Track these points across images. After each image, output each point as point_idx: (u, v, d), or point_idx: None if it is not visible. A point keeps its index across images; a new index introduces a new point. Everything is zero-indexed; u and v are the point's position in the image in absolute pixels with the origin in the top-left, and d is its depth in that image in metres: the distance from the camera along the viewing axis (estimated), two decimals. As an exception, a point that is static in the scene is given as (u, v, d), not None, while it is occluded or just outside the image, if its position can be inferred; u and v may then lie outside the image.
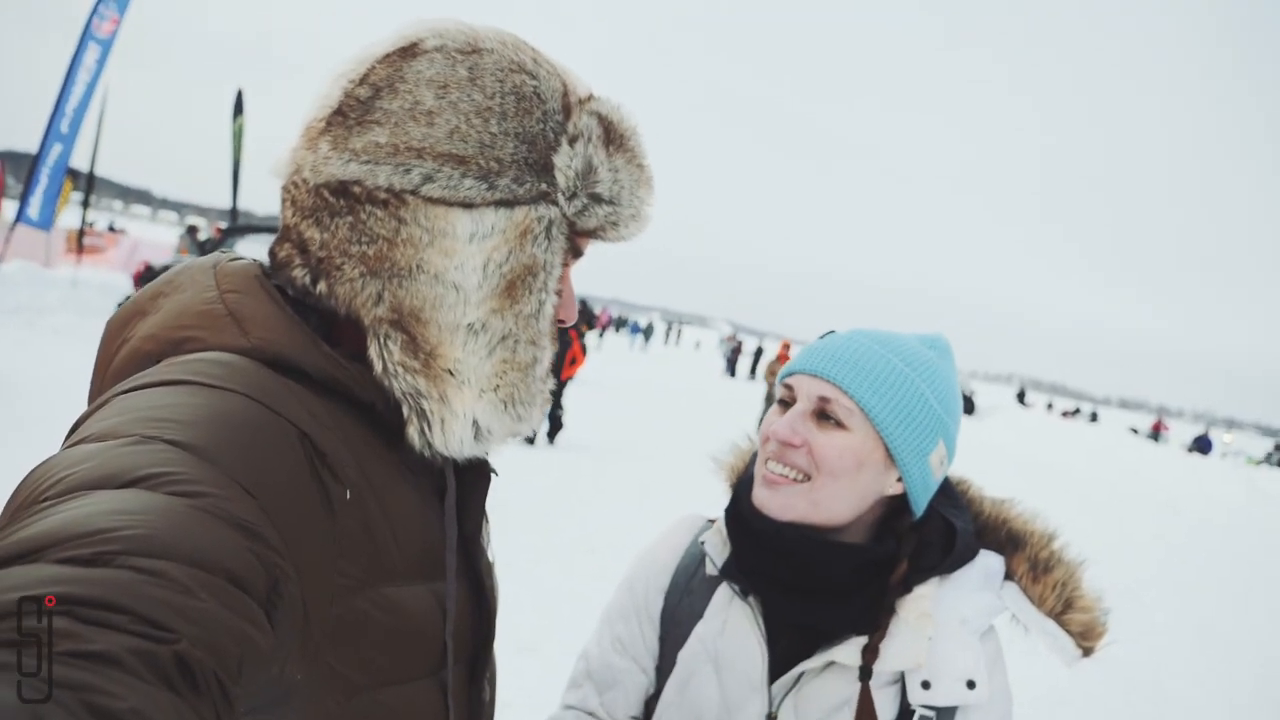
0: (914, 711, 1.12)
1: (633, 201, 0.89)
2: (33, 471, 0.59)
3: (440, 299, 0.80)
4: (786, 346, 15.91)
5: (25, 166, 13.72)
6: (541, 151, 0.83)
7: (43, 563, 0.47)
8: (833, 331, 1.25)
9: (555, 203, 0.84)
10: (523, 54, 0.84)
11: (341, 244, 0.79)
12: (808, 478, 1.14)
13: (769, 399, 14.61)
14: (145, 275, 13.51)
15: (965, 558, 1.20)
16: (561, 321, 0.91)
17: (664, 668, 1.26)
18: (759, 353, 38.07)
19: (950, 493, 1.29)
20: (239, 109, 21.39)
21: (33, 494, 0.56)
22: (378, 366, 0.80)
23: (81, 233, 18.57)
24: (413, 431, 0.81)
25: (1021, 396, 57.43)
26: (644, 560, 1.36)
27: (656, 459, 10.52)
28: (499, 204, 0.80)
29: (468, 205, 0.79)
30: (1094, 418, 53.88)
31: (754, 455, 1.35)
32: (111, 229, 35.66)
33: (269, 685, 0.62)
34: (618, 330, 56.30)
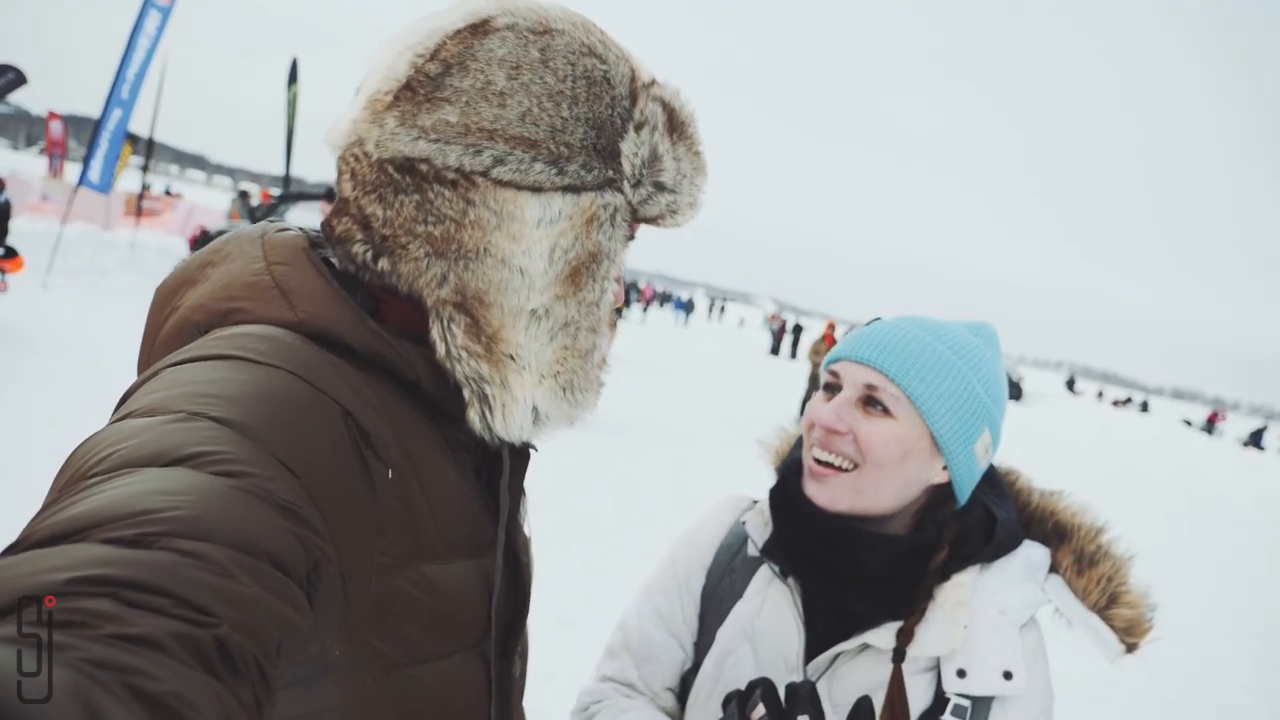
0: (949, 699, 1.11)
1: (691, 190, 0.89)
2: (81, 445, 0.60)
3: (505, 283, 0.79)
4: (832, 327, 15.72)
5: (87, 130, 14.03)
6: (609, 138, 0.82)
7: (89, 542, 0.47)
8: (879, 318, 1.24)
9: (621, 190, 0.83)
10: (592, 36, 0.83)
11: (407, 222, 0.79)
12: (854, 466, 1.14)
13: (813, 380, 14.51)
14: (200, 240, 13.79)
15: (1007, 547, 1.19)
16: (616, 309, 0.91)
17: (702, 644, 1.27)
18: (798, 330, 37.69)
19: (995, 482, 1.28)
20: (294, 78, 21.64)
21: (81, 469, 0.57)
22: (440, 349, 0.80)
23: (140, 196, 19.00)
24: (473, 415, 0.81)
25: (1071, 384, 56.39)
26: (687, 538, 1.38)
27: (696, 437, 10.51)
28: (567, 189, 0.80)
29: (536, 189, 0.78)
30: (1145, 407, 52.72)
31: (799, 439, 1.35)
32: (168, 192, 36.42)
33: (308, 662, 0.63)
34: (661, 305, 56.20)
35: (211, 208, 26.52)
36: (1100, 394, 64.66)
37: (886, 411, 1.14)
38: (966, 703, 1.11)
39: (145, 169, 19.89)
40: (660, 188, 0.86)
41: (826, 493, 1.15)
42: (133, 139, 18.46)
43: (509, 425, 0.82)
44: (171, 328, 0.79)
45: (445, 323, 0.79)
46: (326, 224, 0.85)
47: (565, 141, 0.79)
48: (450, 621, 0.81)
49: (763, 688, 1.02)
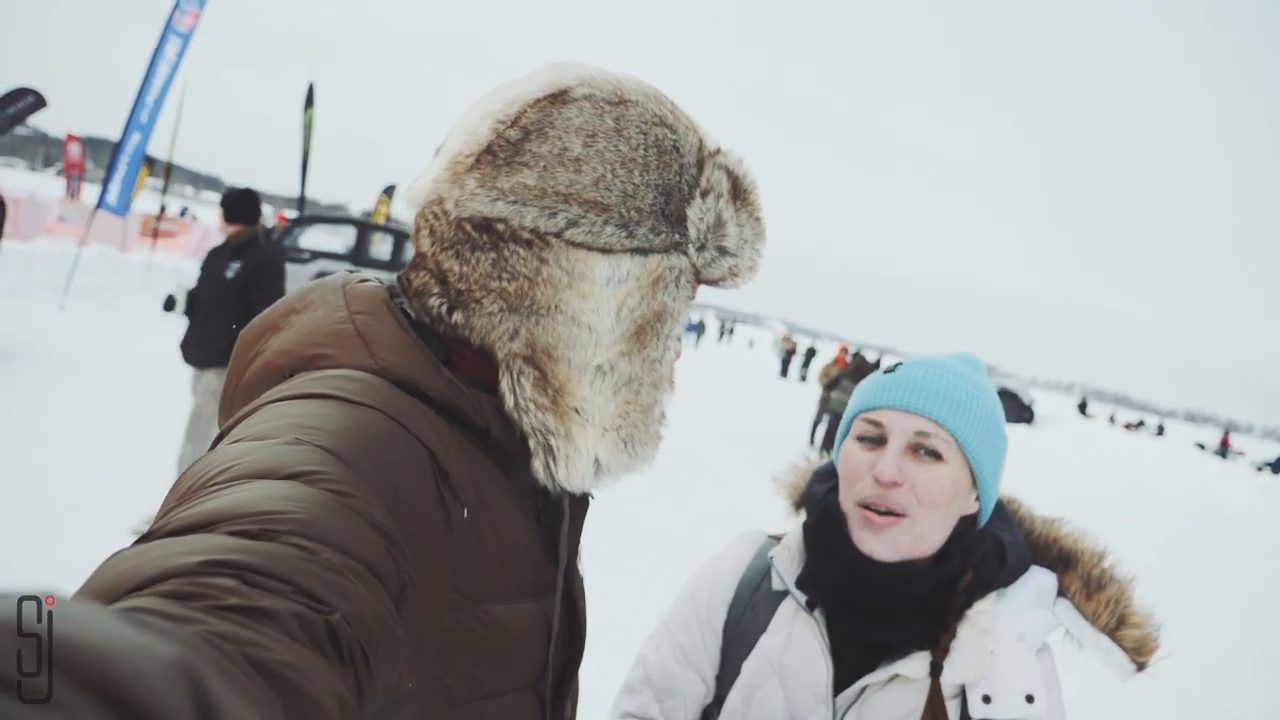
0: None
1: (751, 254, 0.93)
2: (193, 466, 0.64)
3: (574, 338, 0.83)
4: (844, 350, 15.67)
5: (105, 151, 14.19)
6: (677, 203, 0.86)
7: (217, 533, 0.52)
8: (899, 364, 1.26)
9: (686, 253, 0.88)
10: (664, 107, 0.88)
11: (482, 278, 0.83)
12: (905, 513, 1.17)
13: (823, 404, 14.48)
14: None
15: (1019, 572, 1.23)
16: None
17: (725, 677, 1.30)
18: (810, 354, 37.63)
19: (1001, 511, 1.31)
20: (310, 102, 21.90)
21: (200, 480, 0.61)
22: (509, 401, 0.83)
23: (157, 218, 19.20)
24: (538, 465, 0.84)
25: (1083, 407, 55.96)
26: (708, 573, 1.40)
27: (705, 460, 10.51)
28: (635, 251, 0.84)
29: (606, 251, 0.83)
30: (1160, 431, 52.25)
31: (814, 472, 1.39)
32: (183, 214, 36.77)
33: (385, 691, 0.65)
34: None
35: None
36: (1112, 418, 64.22)
37: (938, 457, 1.17)
38: None
39: (165, 191, 20.09)
40: (723, 252, 0.90)
41: (888, 544, 1.17)
42: (150, 161, 18.67)
43: (571, 475, 0.85)
44: (256, 371, 0.83)
45: (515, 375, 0.83)
46: (404, 277, 0.89)
47: (636, 206, 0.83)
48: (512, 660, 0.83)
49: None
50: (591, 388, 0.84)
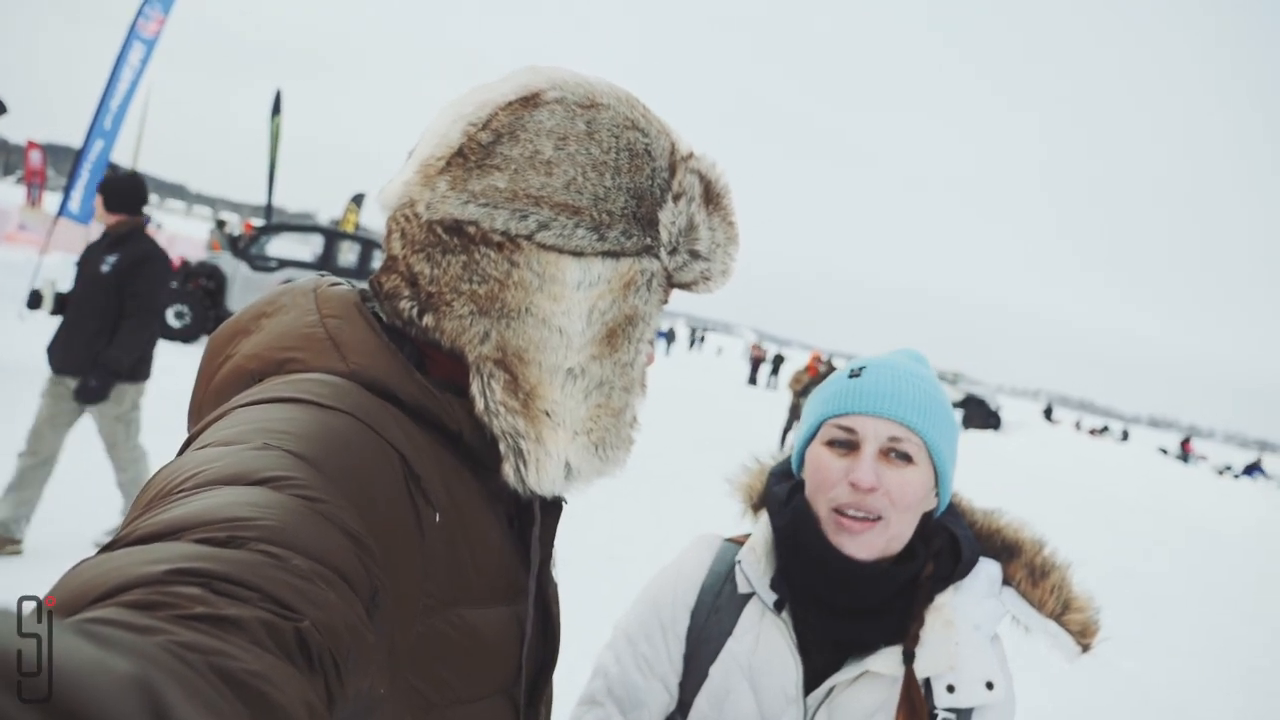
0: (936, 714, 1.18)
1: (724, 258, 0.93)
2: (161, 470, 0.64)
3: (545, 341, 0.83)
4: (816, 358, 15.75)
5: (66, 159, 13.95)
6: (649, 207, 0.86)
7: (183, 541, 0.51)
8: (864, 367, 1.28)
9: (658, 256, 0.88)
10: (635, 111, 0.88)
11: (453, 281, 0.83)
12: (879, 516, 1.19)
13: (793, 410, 14.54)
14: (181, 270, 13.70)
15: (973, 564, 1.27)
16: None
17: (689, 684, 1.31)
18: (779, 360, 37.78)
19: (949, 505, 1.35)
20: (277, 109, 21.68)
21: (166, 487, 0.60)
22: (479, 404, 0.83)
23: (120, 227, 18.87)
24: (508, 469, 0.84)
25: (1049, 413, 56.74)
26: (668, 578, 1.39)
27: (675, 469, 10.51)
28: (606, 254, 0.84)
29: (578, 254, 0.83)
30: (1125, 436, 53.09)
31: (769, 473, 1.41)
32: (148, 223, 36.12)
33: (357, 698, 0.65)
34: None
35: (191, 238, 26.43)
36: (1078, 424, 65.10)
37: (909, 460, 1.20)
38: (953, 715, 1.18)
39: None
40: (695, 255, 0.90)
41: (864, 546, 1.19)
42: (115, 169, 18.39)
43: (542, 479, 0.85)
44: (225, 375, 0.82)
45: (485, 378, 0.83)
46: (375, 280, 0.89)
47: (607, 209, 0.83)
48: (485, 666, 0.83)
49: None
50: (563, 391, 0.84)
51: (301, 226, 14.74)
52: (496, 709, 0.87)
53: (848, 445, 1.22)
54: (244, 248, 13.39)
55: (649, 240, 0.86)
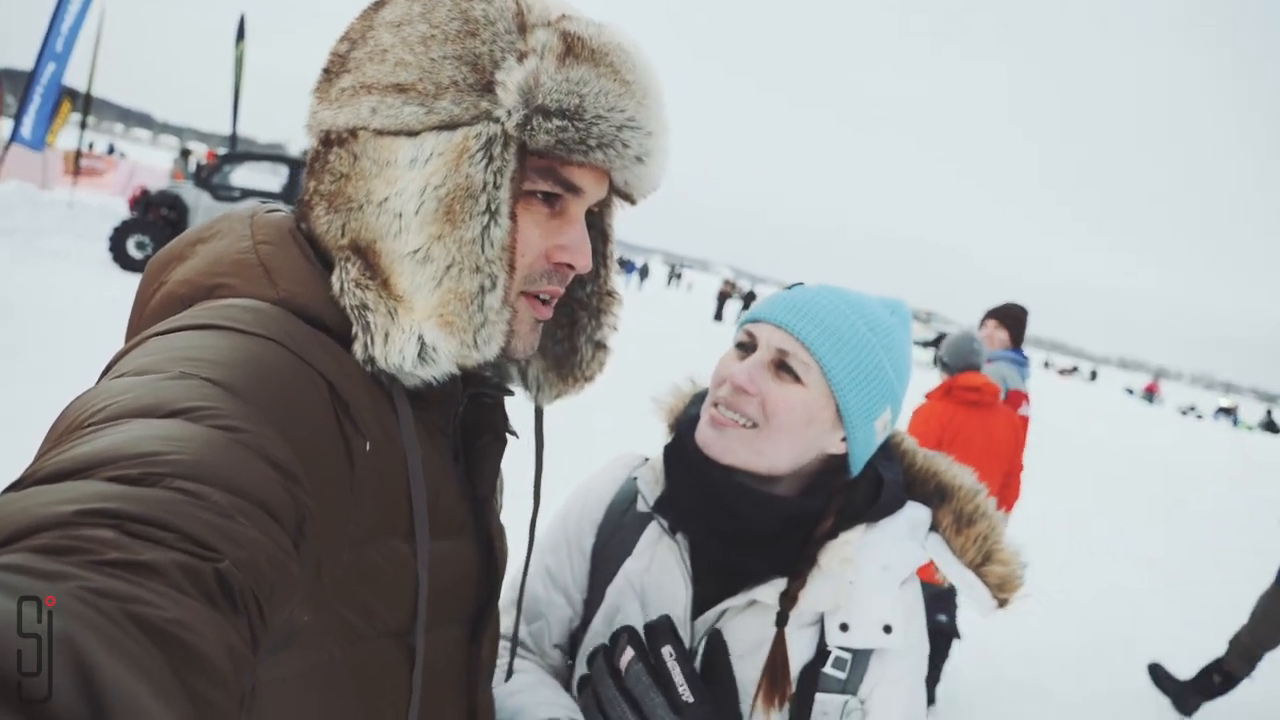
0: (829, 652, 1.15)
1: (607, 116, 0.81)
2: (73, 402, 0.61)
3: (386, 228, 0.80)
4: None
5: (23, 84, 13.51)
6: (485, 72, 0.80)
7: (94, 479, 0.48)
8: (801, 283, 1.24)
9: (498, 121, 0.80)
10: None
11: (316, 186, 0.84)
12: (754, 425, 1.15)
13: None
14: (141, 200, 13.39)
15: (891, 508, 1.22)
16: (568, 266, 0.88)
17: (592, 600, 1.29)
18: (750, 297, 37.80)
19: (885, 447, 1.30)
20: (241, 35, 21.02)
21: (76, 420, 0.57)
22: (335, 287, 0.80)
23: (79, 154, 18.38)
24: (358, 347, 0.79)
25: (1020, 353, 57.39)
26: (578, 495, 1.38)
27: (614, 421, 10.57)
28: (440, 128, 0.79)
29: (412, 133, 0.79)
30: (1093, 376, 54.05)
31: (694, 396, 1.37)
32: (111, 152, 35.30)
33: (276, 627, 0.62)
34: (618, 271, 55.82)
35: (155, 168, 25.78)
36: (1046, 363, 66.17)
37: (797, 378, 1.15)
38: (847, 655, 1.15)
39: (83, 125, 19.20)
40: (544, 113, 0.79)
41: (722, 442, 1.15)
42: (72, 94, 17.83)
43: (390, 352, 0.78)
44: (158, 302, 0.80)
45: (342, 263, 0.81)
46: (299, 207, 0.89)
47: (434, 81, 0.79)
48: (418, 598, 0.81)
49: (627, 633, 1.04)
50: (412, 279, 0.79)
51: (265, 155, 14.36)
52: (441, 641, 0.86)
53: (749, 349, 1.20)
54: (206, 177, 13.10)
55: (486, 105, 0.79)
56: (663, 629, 1.02)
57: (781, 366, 1.16)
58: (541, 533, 1.35)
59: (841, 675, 1.16)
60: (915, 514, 1.24)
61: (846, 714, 1.15)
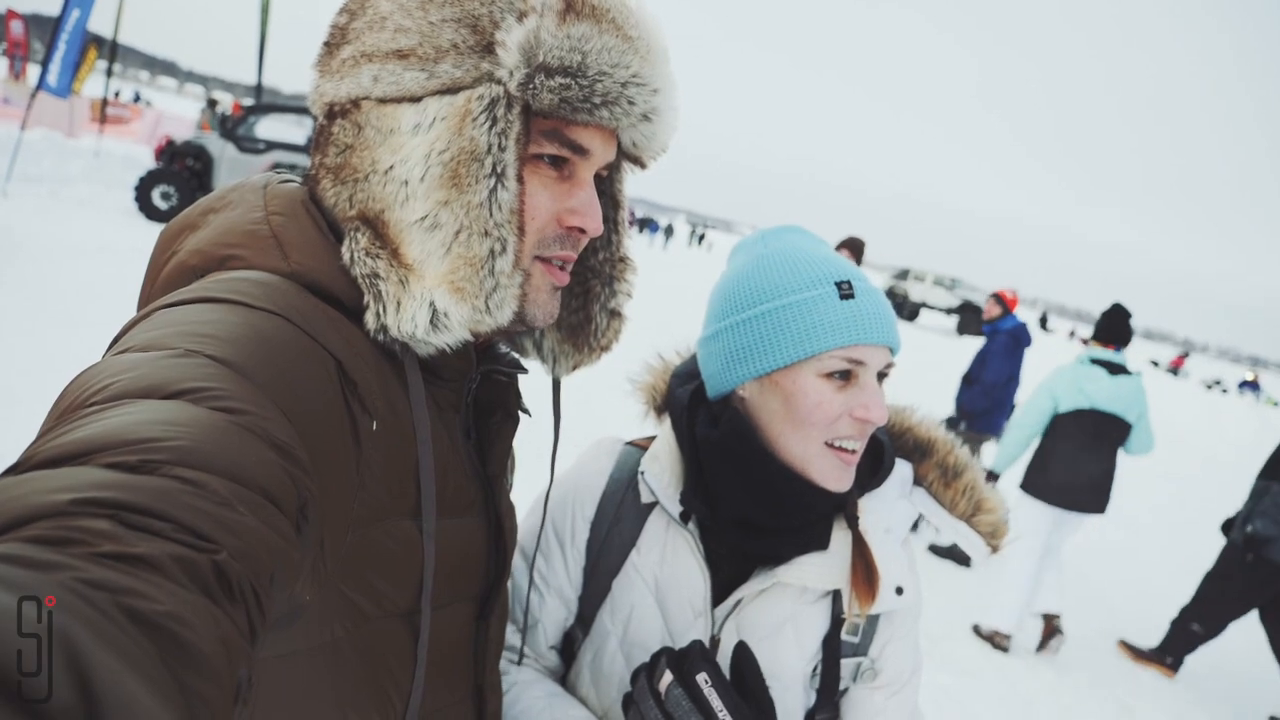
0: (844, 619, 1.16)
1: (611, 73, 0.79)
2: (77, 378, 0.60)
3: (393, 197, 0.79)
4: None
5: (49, 30, 13.48)
6: (485, 32, 0.78)
7: (91, 466, 0.48)
8: (847, 281, 1.11)
9: (501, 82, 0.78)
10: None
11: (322, 159, 0.83)
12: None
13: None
14: (167, 150, 13.41)
15: (890, 469, 1.21)
16: (574, 229, 0.86)
17: (590, 595, 1.26)
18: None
19: None
20: (265, -19, 20.81)
21: (78, 399, 0.57)
22: (345, 258, 0.79)
23: (105, 102, 18.39)
24: (370, 316, 0.78)
25: (1044, 321, 56.88)
26: (566, 488, 1.31)
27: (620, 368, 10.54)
28: (441, 92, 0.78)
29: (414, 99, 0.78)
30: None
31: (673, 372, 1.32)
32: (137, 100, 35.30)
33: (280, 605, 0.63)
34: (640, 230, 55.43)
35: (181, 117, 25.80)
36: (1072, 333, 65.47)
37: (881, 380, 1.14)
38: (860, 620, 1.17)
39: (109, 74, 19.18)
40: (546, 70, 0.77)
41: (850, 476, 1.12)
42: (97, 41, 17.79)
43: (402, 320, 0.77)
44: (170, 271, 0.79)
45: (351, 234, 0.80)
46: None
47: (434, 44, 0.78)
48: (427, 577, 0.81)
49: (666, 655, 1.03)
50: (422, 247, 0.78)
51: (291, 107, 14.31)
52: (449, 620, 0.87)
53: (846, 376, 1.10)
54: (231, 129, 13.08)
55: (487, 66, 0.78)
56: (694, 655, 1.00)
57: (880, 378, 1.14)
58: (523, 530, 1.29)
59: (855, 639, 1.18)
60: (903, 472, 1.24)
61: (860, 674, 1.18)
